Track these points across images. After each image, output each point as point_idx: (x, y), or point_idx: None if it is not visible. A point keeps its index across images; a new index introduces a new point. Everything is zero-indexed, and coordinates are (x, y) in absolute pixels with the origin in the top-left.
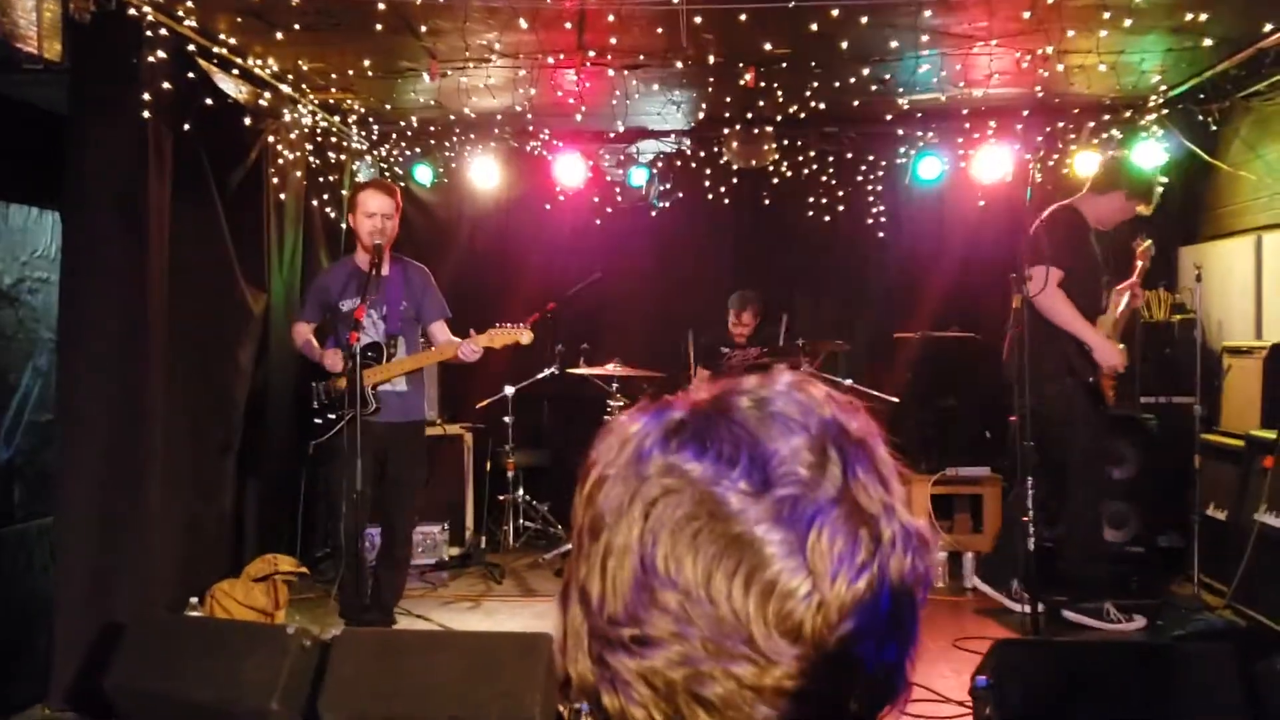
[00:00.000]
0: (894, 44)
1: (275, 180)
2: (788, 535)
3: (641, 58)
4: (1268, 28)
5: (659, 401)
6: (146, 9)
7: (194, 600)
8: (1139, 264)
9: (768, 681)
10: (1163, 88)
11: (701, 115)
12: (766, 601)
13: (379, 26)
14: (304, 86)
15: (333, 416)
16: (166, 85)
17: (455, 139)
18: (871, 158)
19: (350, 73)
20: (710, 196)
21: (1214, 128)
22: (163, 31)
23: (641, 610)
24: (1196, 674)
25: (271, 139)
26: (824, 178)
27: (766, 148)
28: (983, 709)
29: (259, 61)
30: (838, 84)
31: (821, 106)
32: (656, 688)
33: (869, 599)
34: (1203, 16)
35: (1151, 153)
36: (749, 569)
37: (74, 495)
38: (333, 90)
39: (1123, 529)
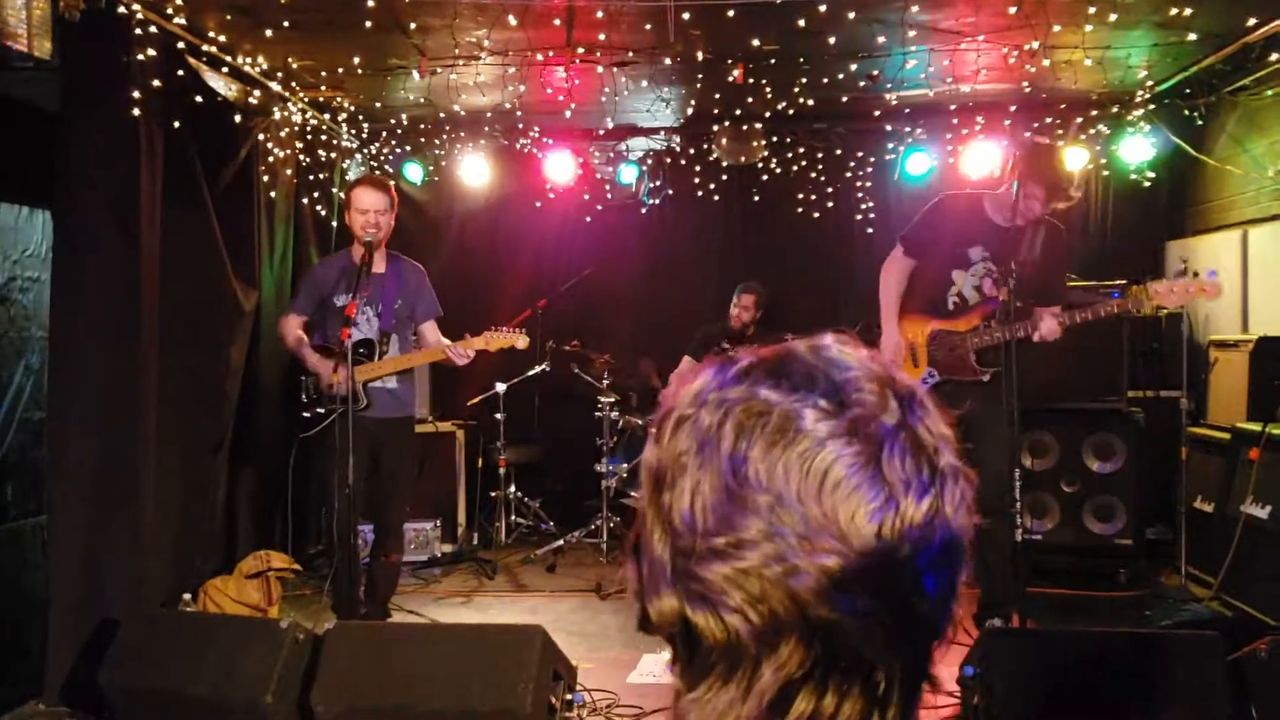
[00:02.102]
0: (881, 39)
1: (265, 178)
2: (863, 449)
3: (630, 54)
4: (1251, 22)
5: (721, 357)
6: (136, 7)
7: (187, 597)
8: (1115, 306)
9: (854, 573)
10: (1149, 83)
11: (691, 112)
12: (849, 505)
13: (368, 24)
14: (294, 84)
15: (322, 411)
16: (156, 83)
17: (445, 137)
18: (860, 154)
19: (340, 70)
20: (700, 193)
21: (1200, 123)
22: (152, 29)
23: (736, 517)
24: (1182, 662)
25: (261, 137)
26: (813, 174)
27: (756, 144)
28: (970, 698)
29: (248, 59)
30: (826, 80)
31: (810, 103)
32: (749, 590)
33: (931, 520)
34: (1187, 11)
35: (1139, 148)
36: (835, 476)
37: (66, 493)
38: (322, 88)
39: (1111, 521)
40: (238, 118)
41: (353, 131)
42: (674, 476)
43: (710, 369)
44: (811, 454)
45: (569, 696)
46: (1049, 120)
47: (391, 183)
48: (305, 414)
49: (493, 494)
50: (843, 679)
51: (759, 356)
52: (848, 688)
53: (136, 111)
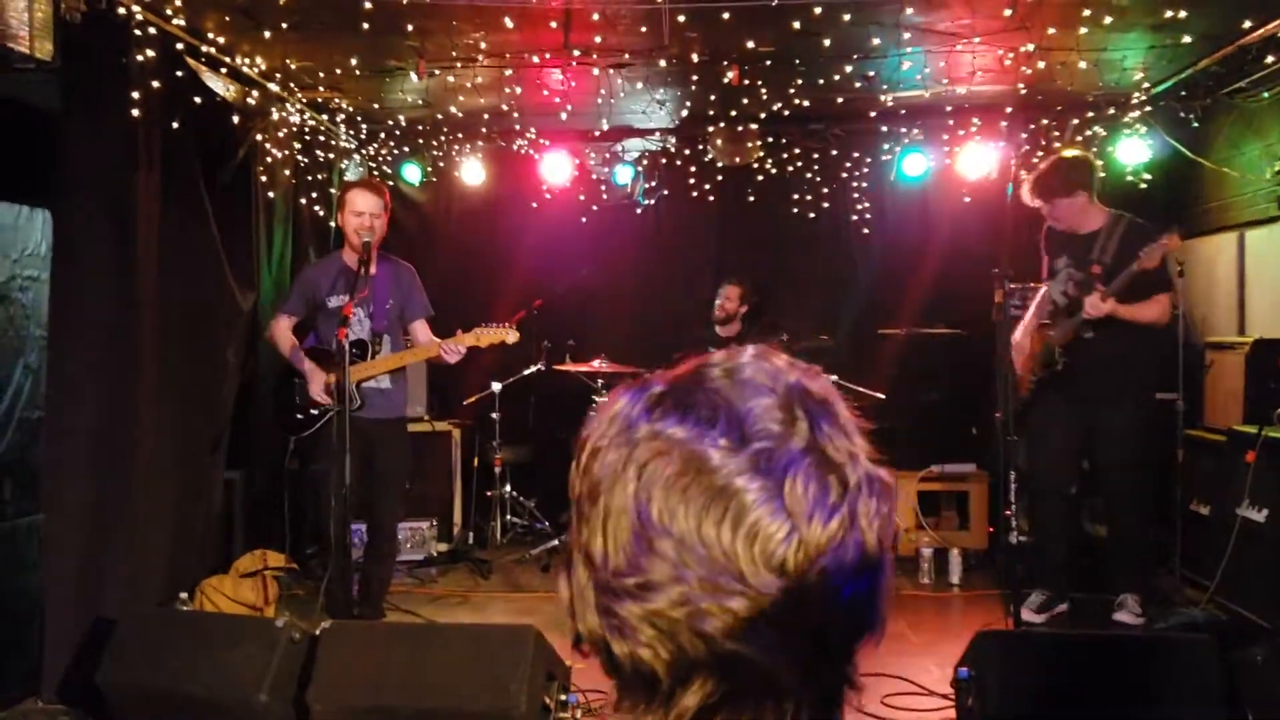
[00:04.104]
0: (876, 41)
1: (264, 178)
2: (766, 483)
3: (626, 56)
4: (1247, 24)
5: (639, 380)
6: (136, 8)
7: (183, 596)
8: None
9: (759, 612)
10: (1145, 85)
11: (686, 113)
12: (752, 543)
13: (366, 26)
14: (292, 85)
15: (315, 412)
16: (156, 84)
17: (443, 138)
18: (856, 154)
19: (338, 71)
20: (695, 194)
21: (1197, 125)
22: (151, 30)
23: (643, 559)
24: (1176, 665)
25: (260, 137)
26: (809, 174)
27: (751, 145)
28: (965, 700)
29: (247, 60)
30: (821, 81)
31: (806, 104)
32: (660, 628)
33: (841, 537)
34: (1182, 14)
35: (1136, 150)
36: (735, 515)
37: (64, 492)
38: (320, 89)
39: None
40: (236, 118)
41: (351, 132)
42: (588, 511)
43: (625, 395)
44: (714, 495)
45: (563, 697)
46: (1045, 122)
47: (386, 185)
48: (299, 414)
49: (488, 493)
50: (756, 705)
51: (671, 382)
52: (760, 712)
53: (136, 112)
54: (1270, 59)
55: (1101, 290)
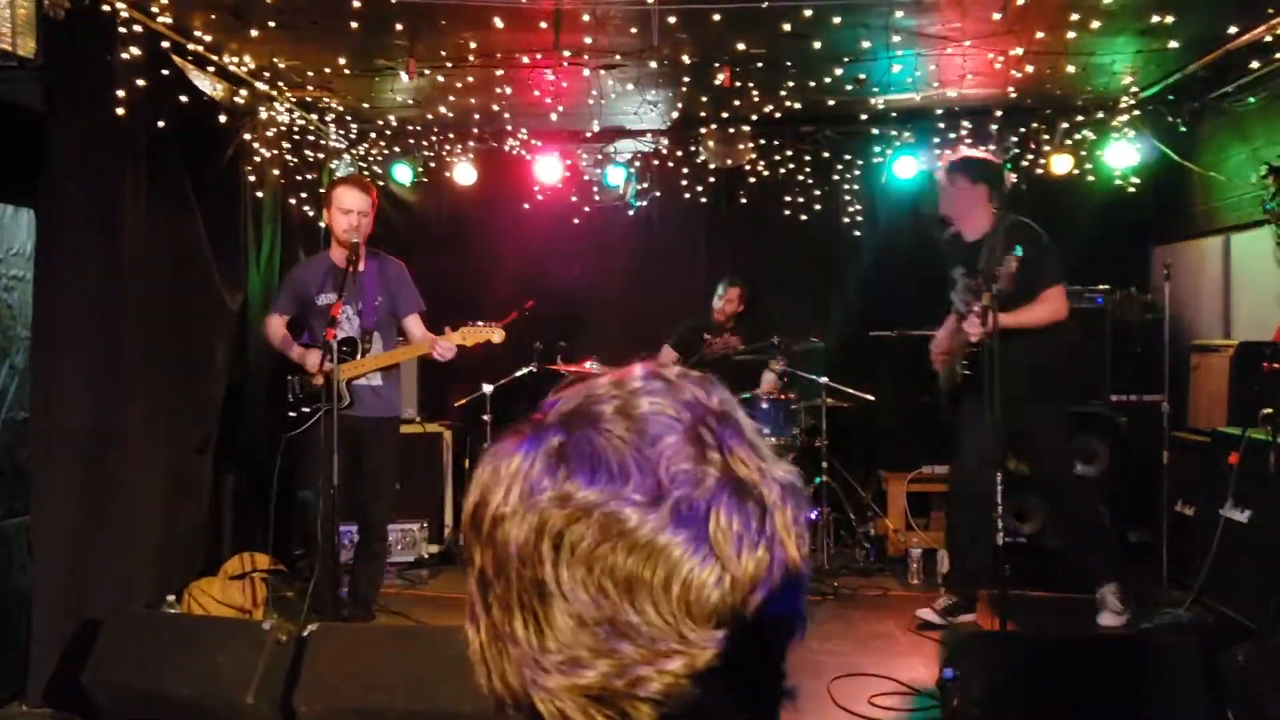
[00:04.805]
0: (866, 44)
1: (252, 178)
2: (690, 532)
3: (617, 57)
4: (1233, 29)
5: (530, 426)
6: (120, 6)
7: (171, 598)
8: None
9: (700, 666)
10: (1134, 89)
11: (678, 115)
12: (687, 598)
13: (355, 25)
14: (280, 84)
15: (307, 410)
16: (141, 82)
17: (434, 138)
18: (848, 157)
19: (327, 71)
20: (687, 195)
21: (1184, 129)
22: (137, 28)
23: (567, 635)
24: (1160, 665)
25: (248, 136)
26: (800, 176)
27: (743, 147)
28: (950, 700)
29: (234, 58)
30: (813, 83)
31: (797, 106)
32: (595, 696)
33: (769, 562)
34: (1169, 18)
35: (1124, 153)
36: (665, 575)
37: (51, 493)
38: (310, 88)
39: None
40: (223, 117)
41: (341, 132)
42: (497, 586)
43: (519, 448)
44: (641, 559)
45: None
46: (1034, 125)
47: (376, 184)
48: (291, 413)
49: None
50: None
51: (565, 427)
52: None
53: (121, 111)
54: (1256, 64)
55: (976, 312)
